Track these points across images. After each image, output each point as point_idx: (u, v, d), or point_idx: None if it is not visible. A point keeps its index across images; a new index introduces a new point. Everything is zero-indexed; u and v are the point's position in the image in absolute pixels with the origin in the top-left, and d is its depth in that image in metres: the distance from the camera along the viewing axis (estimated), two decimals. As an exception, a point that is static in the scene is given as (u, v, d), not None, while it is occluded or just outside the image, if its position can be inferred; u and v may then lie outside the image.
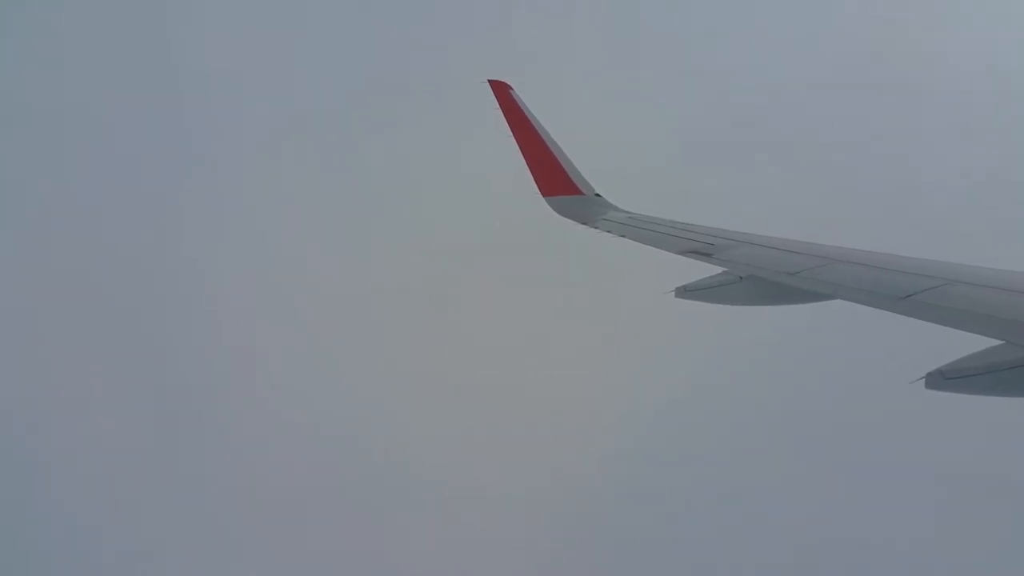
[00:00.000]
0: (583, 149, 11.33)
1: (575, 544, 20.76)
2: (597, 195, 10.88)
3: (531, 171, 10.94)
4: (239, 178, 25.52)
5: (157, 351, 23.59)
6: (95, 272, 23.99)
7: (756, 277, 6.89)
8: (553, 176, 10.88)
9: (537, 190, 10.96)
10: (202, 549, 20.60)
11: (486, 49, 24.95)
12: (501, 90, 10.91)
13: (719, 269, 7.32)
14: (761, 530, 19.59)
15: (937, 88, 25.76)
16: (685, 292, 7.38)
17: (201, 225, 25.06)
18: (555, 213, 10.78)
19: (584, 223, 10.24)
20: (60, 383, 22.28)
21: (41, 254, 24.08)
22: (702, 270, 7.45)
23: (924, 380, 4.78)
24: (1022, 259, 5.70)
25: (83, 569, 20.32)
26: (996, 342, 4.73)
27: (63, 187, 24.96)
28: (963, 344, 4.81)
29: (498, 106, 10.90)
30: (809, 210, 21.91)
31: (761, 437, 20.44)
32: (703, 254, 7.64)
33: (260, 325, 24.03)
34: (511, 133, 10.90)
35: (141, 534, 20.76)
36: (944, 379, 4.74)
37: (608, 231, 9.56)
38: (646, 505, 20.81)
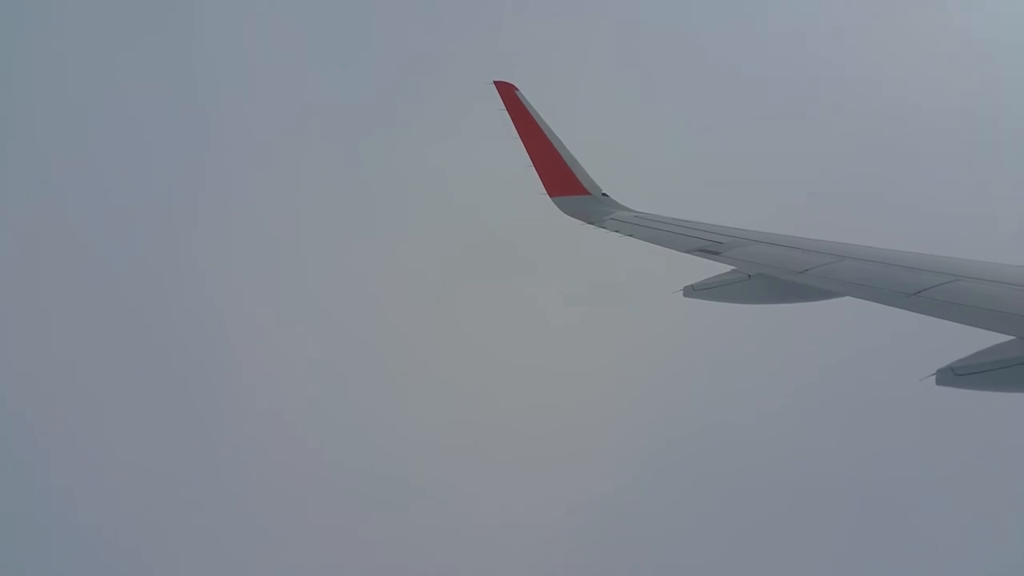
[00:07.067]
0: (589, 149, 11.35)
1: (579, 544, 20.75)
2: (604, 195, 10.89)
3: (538, 172, 10.96)
4: (245, 180, 25.61)
5: (162, 352, 23.69)
6: (98, 273, 24.12)
7: (764, 275, 6.86)
8: (560, 176, 10.90)
9: (544, 190, 10.99)
10: (202, 549, 20.67)
11: (491, 50, 24.98)
12: (507, 91, 10.92)
13: (727, 267, 7.30)
14: (765, 529, 19.54)
15: (943, 83, 25.67)
16: (693, 291, 7.34)
17: (208, 225, 25.16)
18: (562, 213, 10.80)
19: (591, 223, 10.24)
20: (60, 383, 22.40)
21: (42, 255, 24.19)
22: (710, 269, 7.44)
23: (935, 377, 4.77)
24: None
25: (83, 569, 20.40)
26: (1007, 338, 4.71)
27: (63, 187, 25.09)
28: (973, 340, 4.79)
29: (504, 107, 10.93)
30: (817, 208, 21.84)
31: (769, 436, 20.38)
32: (711, 252, 7.62)
33: (265, 326, 24.10)
34: (517, 134, 10.93)
35: (140, 534, 20.84)
36: (955, 375, 4.71)
37: (615, 231, 9.56)
38: (651, 504, 20.80)
